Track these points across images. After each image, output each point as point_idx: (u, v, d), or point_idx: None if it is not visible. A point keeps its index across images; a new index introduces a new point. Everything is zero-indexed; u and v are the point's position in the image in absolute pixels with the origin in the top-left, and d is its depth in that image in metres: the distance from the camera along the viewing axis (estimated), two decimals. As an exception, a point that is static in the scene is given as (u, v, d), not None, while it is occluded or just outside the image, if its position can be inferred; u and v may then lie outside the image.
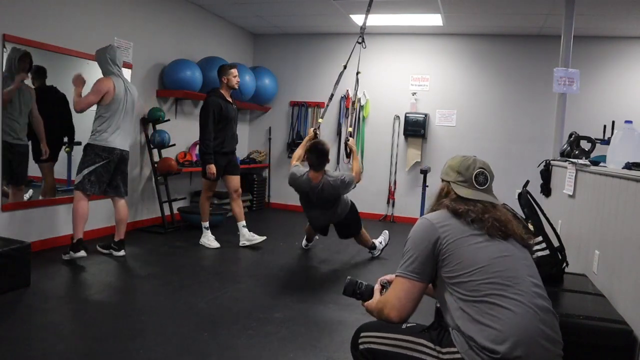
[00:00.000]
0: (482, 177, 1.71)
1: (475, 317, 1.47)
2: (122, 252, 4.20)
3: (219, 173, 4.68)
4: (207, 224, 4.84)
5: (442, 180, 1.78)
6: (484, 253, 1.54)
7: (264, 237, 4.83)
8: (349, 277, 1.85)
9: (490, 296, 1.48)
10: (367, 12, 4.55)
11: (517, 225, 1.66)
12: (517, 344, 1.41)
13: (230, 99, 4.74)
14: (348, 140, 4.88)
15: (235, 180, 4.84)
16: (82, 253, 3.89)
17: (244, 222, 4.85)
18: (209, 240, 4.80)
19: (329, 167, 4.39)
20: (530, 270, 1.58)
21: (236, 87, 4.70)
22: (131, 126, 4.23)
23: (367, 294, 1.80)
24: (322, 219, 4.39)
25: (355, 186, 4.28)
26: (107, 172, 3.99)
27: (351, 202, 4.46)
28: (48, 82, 4.35)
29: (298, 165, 4.32)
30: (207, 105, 4.56)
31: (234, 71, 4.66)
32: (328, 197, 4.15)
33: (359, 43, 4.55)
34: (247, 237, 4.82)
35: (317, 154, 4.11)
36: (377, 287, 1.81)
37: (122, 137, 4.04)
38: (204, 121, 4.54)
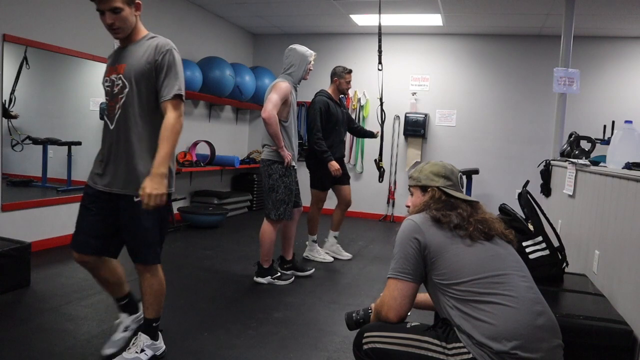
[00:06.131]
0: (462, 180, 1.75)
1: (471, 314, 1.49)
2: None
3: (330, 181, 4.36)
4: (315, 237, 4.49)
5: (426, 187, 1.77)
6: (471, 256, 1.57)
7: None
8: (345, 313, 1.94)
9: (482, 295, 1.50)
10: (380, 39, 4.60)
11: (499, 223, 1.71)
12: (514, 337, 1.43)
13: (338, 102, 4.48)
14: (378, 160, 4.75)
15: (346, 190, 4.52)
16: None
17: (337, 233, 4.63)
18: (319, 254, 4.49)
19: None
20: (517, 266, 1.61)
21: (346, 92, 4.54)
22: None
23: (367, 316, 1.87)
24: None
25: None
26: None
27: None
28: (49, 82, 4.37)
29: None
30: (314, 104, 4.34)
31: (349, 76, 4.45)
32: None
33: (380, 70, 4.64)
34: (331, 249, 4.60)
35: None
36: (373, 304, 1.86)
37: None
38: (313, 120, 4.27)
